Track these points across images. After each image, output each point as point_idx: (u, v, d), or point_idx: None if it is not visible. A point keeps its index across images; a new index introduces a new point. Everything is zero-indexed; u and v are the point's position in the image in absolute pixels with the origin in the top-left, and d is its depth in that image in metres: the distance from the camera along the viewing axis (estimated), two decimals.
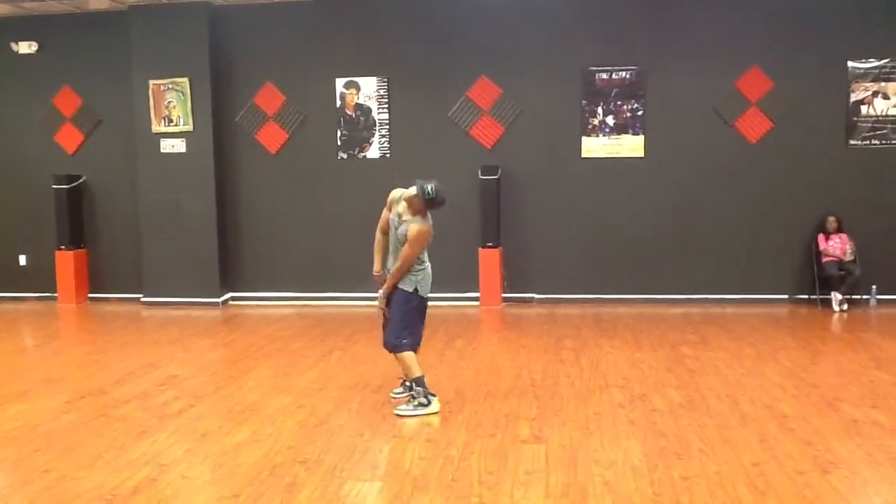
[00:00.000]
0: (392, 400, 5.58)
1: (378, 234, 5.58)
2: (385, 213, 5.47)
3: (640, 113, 9.28)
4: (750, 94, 9.10)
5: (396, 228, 5.32)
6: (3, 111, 10.40)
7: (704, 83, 9.17)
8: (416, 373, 5.29)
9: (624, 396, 5.64)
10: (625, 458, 4.44)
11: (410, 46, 9.55)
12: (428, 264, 5.43)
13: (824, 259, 8.96)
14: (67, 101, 10.20)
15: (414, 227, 5.21)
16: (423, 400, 5.29)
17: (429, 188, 5.15)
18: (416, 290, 5.31)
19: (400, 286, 5.32)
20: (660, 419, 5.11)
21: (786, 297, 9.26)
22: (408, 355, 5.29)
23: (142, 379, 6.39)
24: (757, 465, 4.30)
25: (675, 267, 9.37)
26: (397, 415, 5.26)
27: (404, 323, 5.32)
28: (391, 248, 5.41)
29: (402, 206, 5.32)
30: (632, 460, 4.40)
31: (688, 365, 6.53)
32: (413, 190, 5.22)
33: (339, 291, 9.74)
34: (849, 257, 8.93)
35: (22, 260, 10.47)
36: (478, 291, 9.47)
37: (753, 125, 9.14)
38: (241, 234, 10.01)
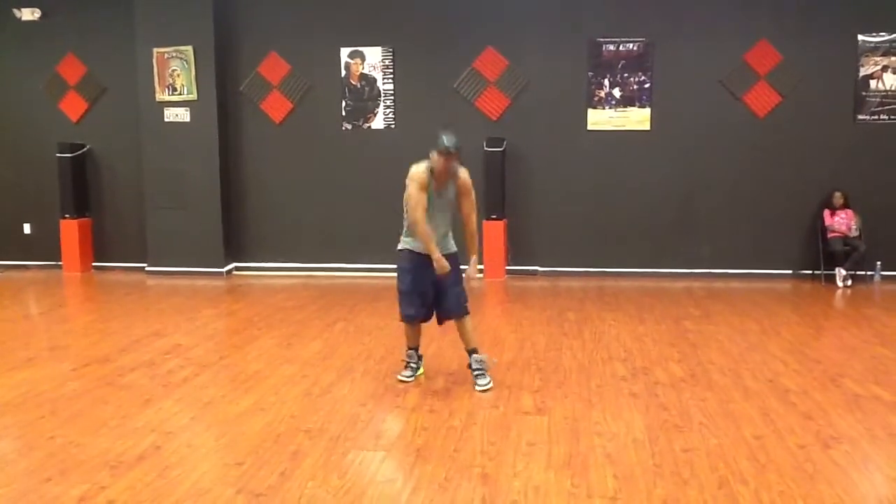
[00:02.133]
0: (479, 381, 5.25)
1: (424, 223, 5.07)
2: (419, 194, 5.03)
3: (646, 85, 9.22)
4: (758, 67, 9.03)
5: (440, 198, 5.15)
6: (6, 79, 10.36)
7: (712, 56, 9.10)
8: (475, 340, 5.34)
9: (626, 369, 5.66)
10: (626, 430, 4.46)
11: (416, 16, 9.47)
12: None
13: (829, 235, 8.94)
14: (71, 69, 10.16)
15: (463, 173, 5.20)
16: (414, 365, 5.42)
17: (450, 141, 5.03)
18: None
19: (453, 251, 5.27)
20: (662, 392, 5.13)
21: (790, 272, 9.26)
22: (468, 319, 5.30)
23: (146, 347, 6.42)
24: (758, 438, 4.31)
25: (679, 241, 9.36)
26: (483, 390, 5.14)
27: (462, 286, 5.30)
28: (439, 224, 5.19)
29: (429, 180, 5.06)
30: (633, 432, 4.42)
31: (690, 339, 6.54)
32: (436, 156, 5.05)
33: (344, 262, 9.75)
34: (854, 233, 8.91)
35: (27, 228, 10.49)
36: (482, 264, 9.46)
37: (761, 99, 9.08)
38: (245, 203, 10.00)
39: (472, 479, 3.85)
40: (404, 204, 5.15)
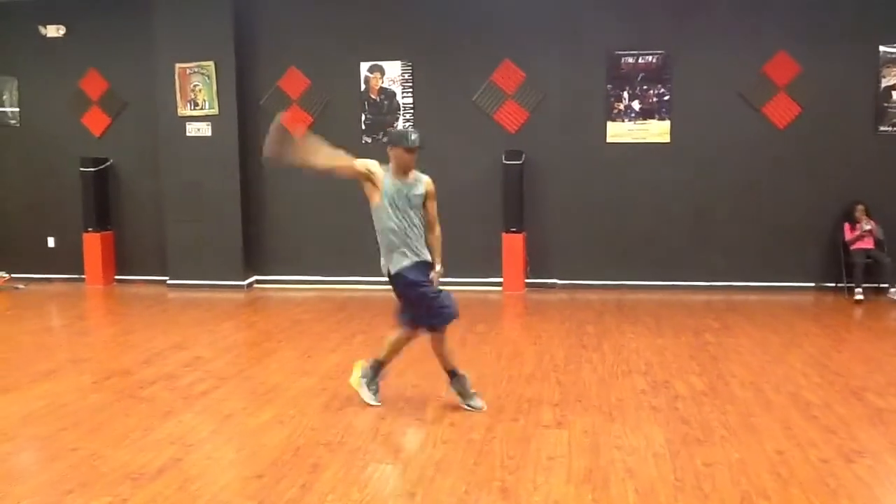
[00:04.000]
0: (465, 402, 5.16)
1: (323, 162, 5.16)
2: (363, 164, 5.11)
3: (666, 98, 9.20)
4: (778, 78, 9.00)
5: (406, 194, 5.02)
6: (31, 94, 10.51)
7: (731, 68, 9.07)
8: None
9: (646, 383, 5.63)
10: (647, 444, 4.44)
11: (435, 30, 9.52)
12: None
13: (852, 247, 8.86)
14: (94, 85, 10.29)
15: (427, 178, 5.08)
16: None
17: (416, 135, 5.00)
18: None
19: (428, 259, 5.14)
20: (682, 406, 5.10)
21: (811, 285, 9.17)
22: None
23: (167, 360, 6.46)
24: (780, 452, 4.27)
25: (698, 253, 9.31)
26: (473, 407, 5.06)
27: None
28: (411, 224, 5.09)
29: (385, 176, 5.02)
30: (654, 446, 4.40)
31: (711, 352, 6.50)
32: (400, 150, 4.97)
33: (362, 275, 9.76)
34: (877, 246, 8.81)
35: (50, 242, 10.60)
36: (500, 276, 9.46)
37: (781, 110, 9.04)
38: (265, 217, 10.06)
39: (491, 492, 3.84)
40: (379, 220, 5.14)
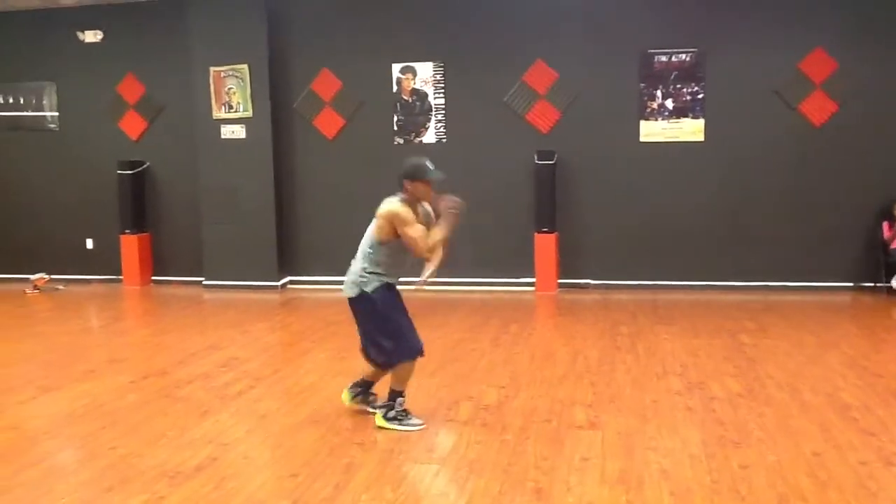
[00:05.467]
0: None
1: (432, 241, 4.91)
2: (416, 224, 4.84)
3: (699, 96, 9.11)
4: (814, 75, 8.86)
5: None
6: (70, 98, 10.69)
7: (766, 65, 8.95)
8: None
9: (681, 384, 5.58)
10: (682, 445, 4.41)
11: (467, 31, 9.52)
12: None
13: (891, 246, 8.71)
14: (131, 89, 10.44)
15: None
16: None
17: (436, 170, 4.87)
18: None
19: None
20: (718, 407, 5.05)
21: (850, 284, 9.03)
22: None
23: (203, 360, 6.54)
24: (818, 455, 4.22)
25: (733, 253, 9.20)
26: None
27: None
28: (406, 258, 5.01)
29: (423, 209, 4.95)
30: (689, 448, 4.36)
31: (747, 353, 6.42)
32: (421, 185, 4.85)
33: None
34: None
35: (89, 243, 10.78)
36: (533, 277, 9.44)
37: (818, 108, 8.91)
38: (298, 218, 10.14)
39: (525, 493, 3.84)
40: (372, 241, 4.96)
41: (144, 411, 5.27)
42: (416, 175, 4.82)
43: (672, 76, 9.16)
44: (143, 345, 7.61)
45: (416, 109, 9.72)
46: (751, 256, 9.16)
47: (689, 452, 4.30)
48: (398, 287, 4.97)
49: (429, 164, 4.86)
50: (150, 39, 10.28)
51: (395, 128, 9.80)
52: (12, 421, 5.13)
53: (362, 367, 5.09)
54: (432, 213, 4.93)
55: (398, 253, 4.84)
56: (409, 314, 4.96)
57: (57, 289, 10.18)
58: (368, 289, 4.84)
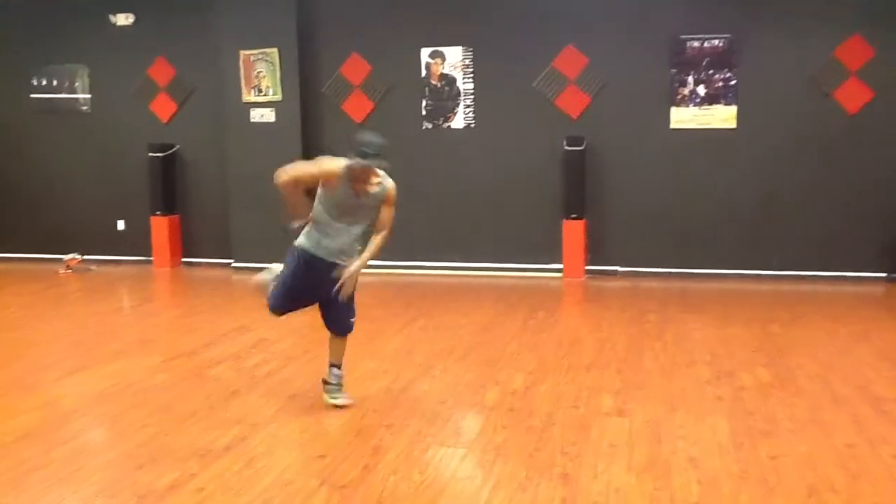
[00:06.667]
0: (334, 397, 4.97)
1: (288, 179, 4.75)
2: (324, 167, 4.72)
3: (732, 82, 8.99)
4: (849, 62, 8.70)
5: (355, 200, 4.74)
6: (102, 81, 10.78)
7: (801, 51, 8.80)
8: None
9: (710, 373, 5.54)
10: (711, 434, 4.38)
11: (496, 16, 9.46)
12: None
13: None
14: (162, 72, 10.50)
15: (389, 183, 4.85)
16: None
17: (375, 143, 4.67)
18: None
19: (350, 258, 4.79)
20: (747, 397, 5.01)
21: (883, 275, 8.89)
22: None
23: (232, 341, 6.60)
24: (850, 447, 4.17)
25: (765, 242, 9.09)
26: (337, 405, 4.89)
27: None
28: (346, 228, 4.82)
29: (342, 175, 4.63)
30: (718, 437, 4.33)
31: (777, 343, 6.36)
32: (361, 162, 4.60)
33: (422, 260, 9.82)
34: None
35: (120, 225, 10.89)
36: (560, 263, 9.40)
37: (853, 95, 8.75)
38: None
39: (552, 479, 3.84)
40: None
41: (174, 391, 5.33)
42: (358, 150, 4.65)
43: (704, 62, 9.04)
44: (173, 325, 7.69)
45: (445, 94, 9.69)
46: (782, 245, 9.05)
47: (717, 441, 4.28)
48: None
49: (371, 137, 4.77)
50: (181, 23, 10.32)
51: (424, 112, 9.78)
52: (45, 399, 5.21)
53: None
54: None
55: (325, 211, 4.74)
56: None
57: (89, 269, 10.31)
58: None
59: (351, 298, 4.88)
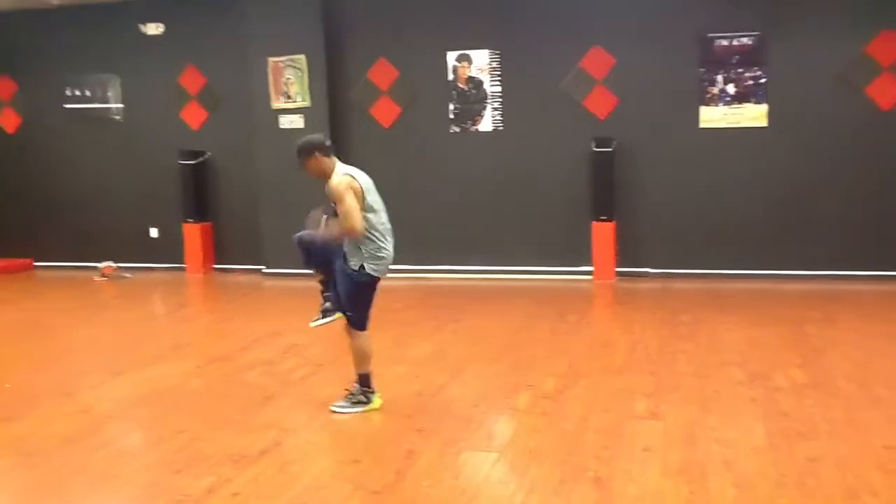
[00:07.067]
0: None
1: None
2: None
3: (762, 80, 8.90)
4: (881, 58, 8.58)
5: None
6: (133, 90, 10.93)
7: (831, 48, 8.68)
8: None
9: (744, 374, 5.48)
10: (746, 437, 4.34)
11: (522, 18, 9.45)
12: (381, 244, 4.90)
13: None
14: (192, 80, 10.63)
15: (334, 177, 4.92)
16: (363, 398, 4.98)
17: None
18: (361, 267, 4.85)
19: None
20: (783, 398, 4.95)
21: None
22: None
23: (265, 346, 6.65)
24: (890, 448, 4.11)
25: (797, 241, 8.97)
26: (332, 410, 4.95)
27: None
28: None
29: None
30: (753, 440, 4.29)
31: (812, 343, 6.28)
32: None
33: (451, 264, 9.83)
34: None
35: (153, 232, 11.03)
36: (590, 265, 9.36)
37: (885, 91, 8.62)
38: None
39: (586, 483, 3.83)
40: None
41: (209, 396, 5.39)
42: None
43: (733, 60, 8.96)
44: (206, 331, 7.78)
45: (472, 97, 9.70)
46: (815, 244, 8.93)
47: (752, 444, 4.24)
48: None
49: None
50: (210, 31, 10.44)
51: (451, 116, 9.79)
52: (83, 404, 5.30)
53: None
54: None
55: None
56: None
57: (123, 276, 10.45)
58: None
59: (347, 295, 4.90)
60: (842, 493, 3.63)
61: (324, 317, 5.15)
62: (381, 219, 4.94)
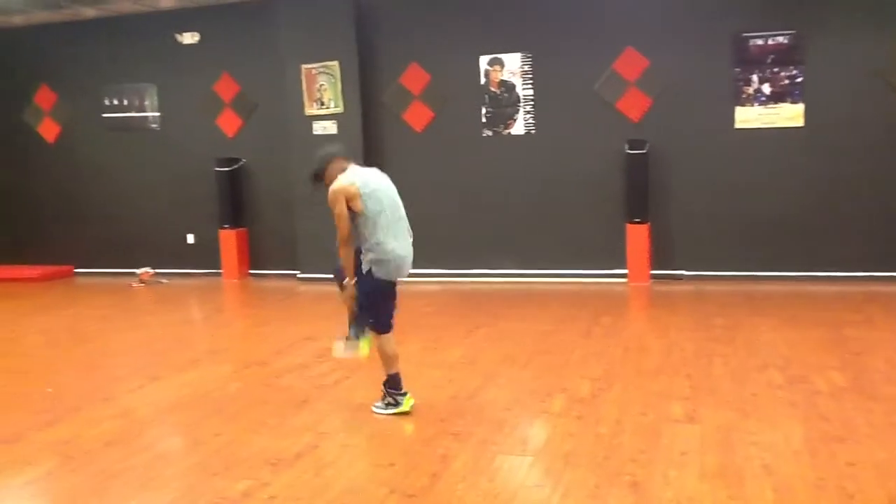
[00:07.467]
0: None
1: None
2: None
3: (798, 79, 8.79)
4: None
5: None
6: (169, 99, 11.10)
7: (869, 46, 8.55)
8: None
9: (782, 377, 5.41)
10: (785, 441, 4.28)
11: (554, 20, 9.43)
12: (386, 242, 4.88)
13: None
14: (227, 88, 10.76)
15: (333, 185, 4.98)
16: (391, 400, 5.01)
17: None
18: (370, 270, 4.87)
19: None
20: (822, 402, 4.88)
21: None
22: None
23: (300, 351, 6.70)
24: None
25: (834, 242, 8.83)
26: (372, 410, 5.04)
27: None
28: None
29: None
30: (792, 444, 4.23)
31: (851, 346, 6.17)
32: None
33: (484, 267, 9.83)
34: None
35: (190, 238, 11.18)
36: (624, 268, 9.30)
37: None
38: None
39: (622, 487, 3.80)
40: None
41: (246, 400, 5.45)
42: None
43: (768, 60, 8.86)
44: (242, 336, 7.87)
45: (505, 101, 9.70)
46: (853, 245, 8.78)
47: (792, 448, 4.18)
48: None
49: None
50: (245, 39, 10.57)
51: (484, 120, 9.80)
52: (122, 409, 5.38)
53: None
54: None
55: None
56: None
57: (160, 282, 10.60)
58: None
59: (361, 296, 4.96)
60: (882, 498, 3.57)
61: (346, 348, 5.14)
62: (383, 221, 4.88)
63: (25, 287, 10.78)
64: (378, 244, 4.83)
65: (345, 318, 5.12)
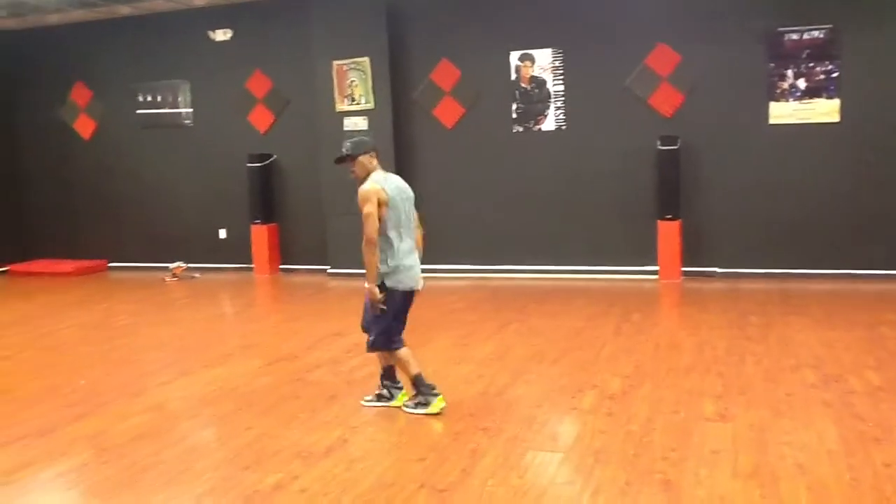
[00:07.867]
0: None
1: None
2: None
3: (834, 75, 8.65)
4: None
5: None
6: (202, 95, 11.20)
7: None
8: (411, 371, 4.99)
9: (817, 377, 5.33)
10: (819, 441, 4.22)
11: (585, 16, 9.37)
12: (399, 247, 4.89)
13: None
14: (259, 84, 10.83)
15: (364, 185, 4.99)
16: (421, 399, 4.97)
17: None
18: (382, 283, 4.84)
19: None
20: (858, 402, 4.80)
21: None
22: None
23: (330, 346, 6.74)
24: None
25: (869, 240, 8.68)
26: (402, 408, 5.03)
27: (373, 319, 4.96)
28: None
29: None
30: (827, 444, 4.17)
31: (889, 346, 6.06)
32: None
33: (514, 264, 9.81)
34: None
35: (222, 233, 11.28)
36: (656, 264, 9.23)
37: None
38: (419, 208, 10.23)
39: (653, 485, 3.77)
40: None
41: (277, 394, 5.48)
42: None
43: (804, 54, 8.73)
44: (273, 330, 7.92)
45: (535, 97, 9.66)
46: (890, 244, 8.63)
47: (826, 448, 4.12)
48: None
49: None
50: (276, 36, 10.63)
51: (514, 116, 9.76)
52: (154, 402, 5.44)
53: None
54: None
55: None
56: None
57: (193, 277, 10.71)
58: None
59: (374, 316, 4.94)
60: None
61: (377, 400, 5.16)
62: (398, 231, 4.93)
63: (60, 281, 10.95)
64: (396, 254, 4.87)
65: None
